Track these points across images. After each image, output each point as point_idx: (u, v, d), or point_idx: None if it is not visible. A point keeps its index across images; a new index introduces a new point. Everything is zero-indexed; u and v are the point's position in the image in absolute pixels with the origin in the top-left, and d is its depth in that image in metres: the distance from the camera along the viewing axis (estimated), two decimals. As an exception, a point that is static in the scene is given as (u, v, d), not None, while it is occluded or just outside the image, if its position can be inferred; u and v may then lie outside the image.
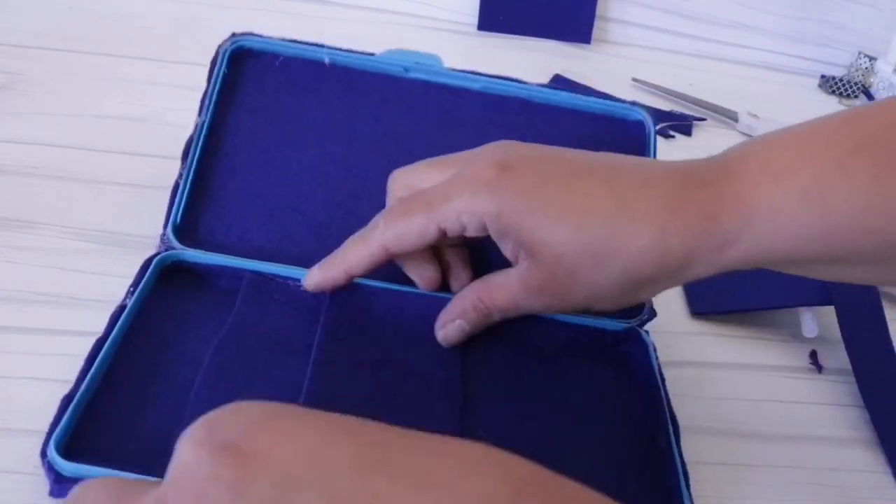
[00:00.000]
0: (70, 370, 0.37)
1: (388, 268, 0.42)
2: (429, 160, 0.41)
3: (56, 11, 0.65)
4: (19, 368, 0.40)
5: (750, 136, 0.72)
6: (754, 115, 0.72)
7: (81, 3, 0.67)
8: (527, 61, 0.74)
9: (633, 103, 0.50)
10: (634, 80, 0.75)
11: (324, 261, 0.41)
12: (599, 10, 0.78)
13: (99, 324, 0.39)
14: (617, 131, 0.50)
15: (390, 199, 0.41)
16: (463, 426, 0.37)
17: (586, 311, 0.40)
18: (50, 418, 0.34)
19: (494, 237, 0.38)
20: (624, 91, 0.71)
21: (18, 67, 0.59)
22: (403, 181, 0.41)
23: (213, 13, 0.69)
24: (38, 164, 0.51)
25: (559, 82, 0.71)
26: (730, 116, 0.73)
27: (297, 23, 0.72)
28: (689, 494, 0.37)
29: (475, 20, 0.77)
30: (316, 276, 0.41)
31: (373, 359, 0.39)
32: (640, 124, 0.50)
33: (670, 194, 0.36)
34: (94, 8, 0.67)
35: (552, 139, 0.49)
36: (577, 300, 0.38)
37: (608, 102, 0.50)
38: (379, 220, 0.39)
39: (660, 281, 0.37)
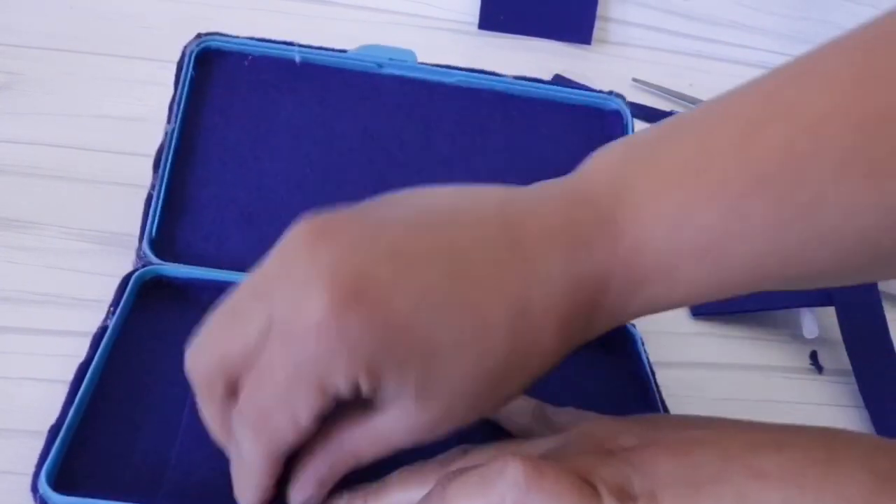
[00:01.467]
0: (70, 371, 0.36)
1: None
2: (223, 310, 0.30)
3: (56, 11, 0.65)
4: (19, 369, 0.40)
5: None
6: None
7: (81, 3, 0.67)
8: (527, 61, 0.74)
9: (611, 93, 0.50)
10: (635, 80, 0.75)
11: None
12: (600, 11, 0.78)
13: (98, 324, 0.39)
14: (594, 122, 0.50)
15: (198, 387, 0.30)
16: (465, 430, 0.37)
17: None
18: (50, 419, 0.34)
19: (367, 393, 0.28)
20: (624, 91, 0.71)
21: (18, 67, 0.59)
22: (206, 360, 0.30)
23: (213, 13, 0.69)
24: (38, 164, 0.51)
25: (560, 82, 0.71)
26: None
27: (297, 23, 0.71)
28: None
29: (476, 19, 0.77)
30: None
31: None
32: (617, 114, 0.50)
33: (560, 272, 0.29)
34: (94, 8, 0.67)
35: (530, 132, 0.49)
36: (473, 417, 0.30)
37: (585, 93, 0.50)
38: (243, 433, 0.29)
39: (555, 366, 0.31)
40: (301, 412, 0.28)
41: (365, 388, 0.27)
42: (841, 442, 0.28)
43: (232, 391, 0.29)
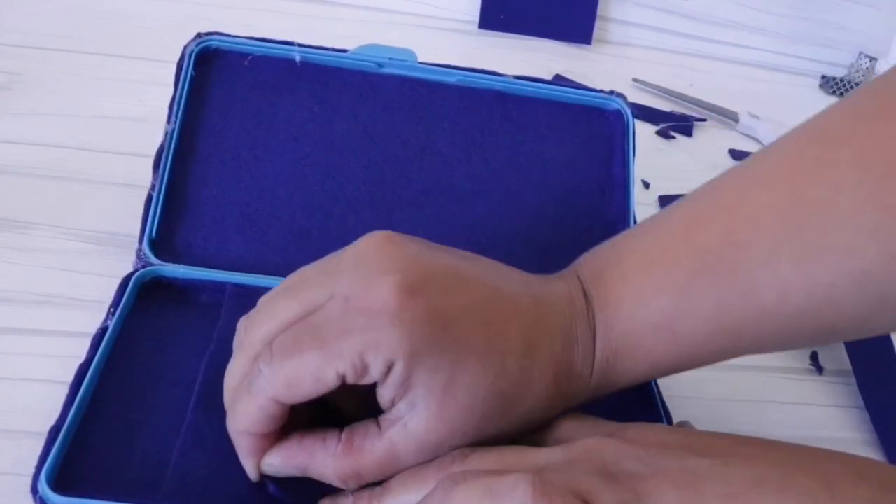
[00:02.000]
0: (70, 371, 0.36)
1: None
2: (287, 283, 0.33)
3: (56, 11, 0.65)
4: (19, 369, 0.40)
5: (750, 136, 0.72)
6: (755, 116, 0.72)
7: (81, 3, 0.67)
8: (527, 61, 0.74)
9: (611, 92, 0.50)
10: (635, 80, 0.75)
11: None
12: (600, 11, 0.78)
13: (98, 325, 0.39)
14: (595, 122, 0.50)
15: (242, 344, 0.33)
16: None
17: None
18: (50, 420, 0.34)
19: (394, 381, 0.30)
20: (624, 91, 0.71)
21: (18, 67, 0.59)
22: (267, 324, 0.32)
23: (213, 13, 0.69)
24: (38, 164, 0.51)
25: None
26: (730, 117, 0.72)
27: (297, 23, 0.71)
28: None
29: (476, 19, 0.77)
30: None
31: None
32: (618, 114, 0.50)
33: (560, 329, 0.34)
34: (94, 8, 0.67)
35: (530, 131, 0.49)
36: (468, 441, 0.32)
37: (586, 93, 0.50)
38: (257, 359, 0.31)
39: (542, 419, 0.34)
40: (329, 371, 0.30)
41: (397, 376, 0.30)
42: (847, 483, 0.28)
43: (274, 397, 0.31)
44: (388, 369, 0.30)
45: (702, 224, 0.34)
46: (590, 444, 0.31)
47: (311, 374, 0.30)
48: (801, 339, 0.35)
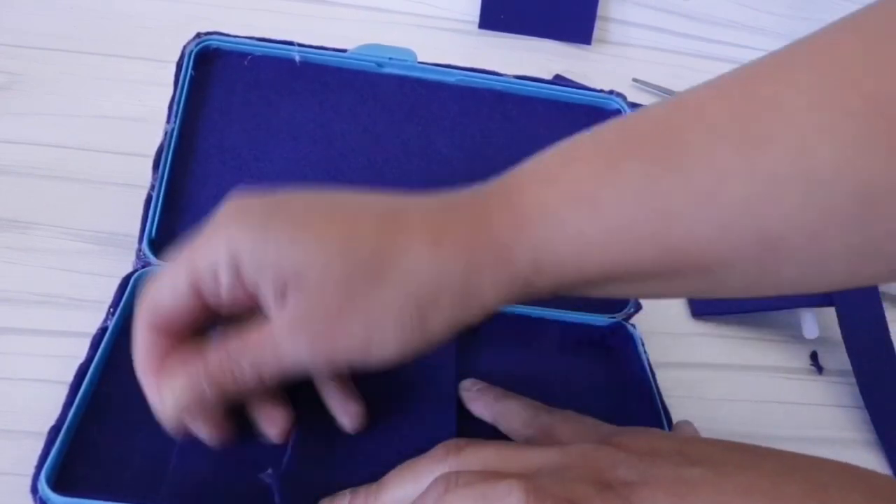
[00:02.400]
0: (69, 371, 0.36)
1: None
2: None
3: (56, 11, 0.65)
4: (19, 369, 0.40)
5: None
6: None
7: (81, 3, 0.67)
8: (527, 61, 0.74)
9: (611, 92, 0.50)
10: (635, 80, 0.74)
11: None
12: (600, 11, 0.78)
13: (98, 325, 0.39)
14: (595, 121, 0.50)
15: (138, 326, 0.33)
16: (460, 427, 0.37)
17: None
18: (49, 420, 0.34)
19: (251, 279, 0.31)
20: (624, 91, 0.71)
21: (18, 67, 0.59)
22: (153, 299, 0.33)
23: (213, 13, 0.69)
24: (38, 164, 0.51)
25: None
26: None
27: (297, 23, 0.71)
28: None
29: (476, 19, 0.77)
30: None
31: None
32: (618, 113, 0.50)
33: (439, 206, 0.32)
34: (95, 8, 0.67)
35: (530, 131, 0.49)
36: (353, 333, 0.31)
37: (585, 92, 0.50)
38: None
39: (443, 302, 0.31)
40: (179, 280, 0.32)
41: (250, 268, 0.31)
42: (837, 492, 0.28)
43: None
44: (238, 273, 0.31)
45: (641, 114, 0.32)
46: (585, 450, 0.31)
47: (168, 287, 0.32)
48: (747, 242, 0.30)
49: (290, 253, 0.30)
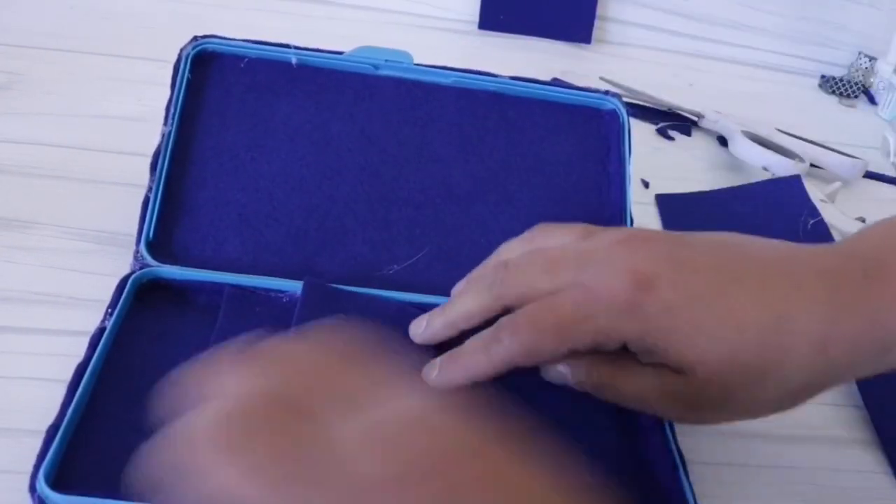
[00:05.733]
0: (68, 371, 0.36)
1: (369, 272, 0.44)
2: (549, 256, 0.37)
3: (56, 11, 0.65)
4: (19, 368, 0.40)
5: (714, 131, 0.70)
6: (718, 112, 0.70)
7: (81, 3, 0.67)
8: (527, 61, 0.74)
9: (607, 93, 0.50)
10: (602, 79, 0.72)
11: (445, 356, 0.37)
12: (599, 10, 0.78)
13: (97, 325, 0.39)
14: (591, 122, 0.50)
15: (494, 283, 0.37)
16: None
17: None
18: (48, 419, 0.34)
19: (634, 351, 0.35)
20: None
21: (18, 67, 0.59)
22: (519, 279, 0.37)
23: (214, 13, 0.69)
24: (38, 164, 0.51)
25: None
26: (694, 115, 0.70)
27: (297, 23, 0.72)
28: (691, 489, 0.37)
29: (475, 19, 0.77)
30: (436, 370, 0.37)
31: None
32: (613, 113, 0.50)
33: (826, 299, 0.34)
34: (94, 8, 0.67)
35: (526, 132, 0.49)
36: (721, 417, 0.36)
37: (581, 93, 0.50)
38: (501, 329, 0.36)
39: (820, 390, 0.35)
40: (563, 349, 0.35)
41: (634, 349, 0.35)
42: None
43: (505, 306, 0.36)
44: (622, 346, 0.35)
45: None
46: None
47: (547, 350, 0.35)
48: None
49: (680, 352, 0.34)
